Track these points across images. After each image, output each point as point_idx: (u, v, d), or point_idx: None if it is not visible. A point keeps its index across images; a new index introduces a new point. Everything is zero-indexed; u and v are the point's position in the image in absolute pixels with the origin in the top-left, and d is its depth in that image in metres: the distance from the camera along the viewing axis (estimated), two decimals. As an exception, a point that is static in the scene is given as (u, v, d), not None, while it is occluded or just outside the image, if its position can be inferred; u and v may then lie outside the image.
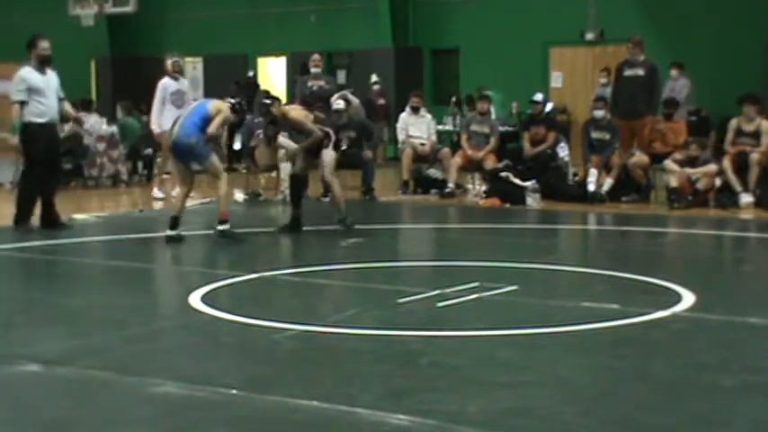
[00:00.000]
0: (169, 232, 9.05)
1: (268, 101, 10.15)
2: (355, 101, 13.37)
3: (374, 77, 17.99)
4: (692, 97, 15.21)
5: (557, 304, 6.26)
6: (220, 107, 9.15)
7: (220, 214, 9.16)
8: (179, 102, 12.72)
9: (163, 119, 12.70)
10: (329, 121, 12.74)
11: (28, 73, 9.72)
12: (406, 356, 5.05)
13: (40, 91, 9.70)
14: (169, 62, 12.98)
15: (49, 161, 9.86)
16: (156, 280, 7.86)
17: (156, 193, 12.95)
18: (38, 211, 9.91)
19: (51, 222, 9.83)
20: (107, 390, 4.54)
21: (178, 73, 12.89)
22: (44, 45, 9.79)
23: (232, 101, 9.40)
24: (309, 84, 13.47)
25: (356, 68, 19.24)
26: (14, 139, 9.72)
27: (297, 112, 9.92)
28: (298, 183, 10.01)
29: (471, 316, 5.98)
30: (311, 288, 7.00)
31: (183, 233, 9.11)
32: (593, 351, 5.21)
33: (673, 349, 5.20)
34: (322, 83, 13.48)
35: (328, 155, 9.71)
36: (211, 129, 9.02)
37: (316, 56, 13.84)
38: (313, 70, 13.60)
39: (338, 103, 12.88)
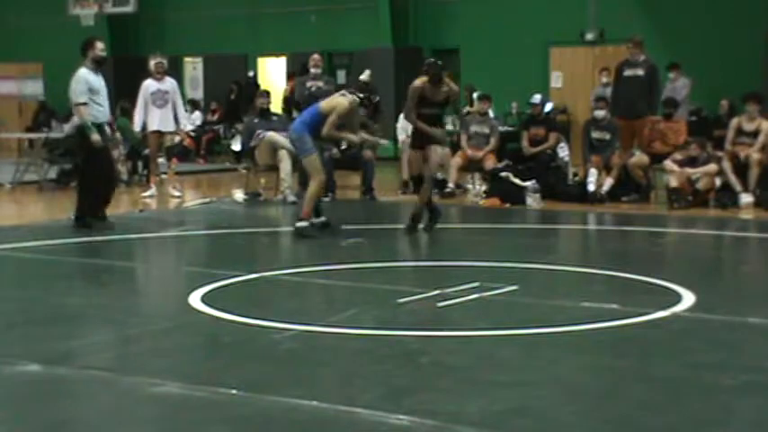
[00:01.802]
0: (305, 224, 9.12)
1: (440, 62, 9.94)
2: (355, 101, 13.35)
3: (366, 74, 17.93)
4: (691, 97, 15.21)
5: (557, 304, 6.26)
6: (334, 104, 9.15)
7: (303, 213, 9.26)
8: (160, 102, 12.80)
9: (147, 119, 12.83)
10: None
11: (87, 74, 9.77)
12: (406, 356, 5.06)
13: (97, 92, 9.79)
14: (152, 63, 13.09)
15: (100, 161, 9.84)
16: (155, 280, 7.86)
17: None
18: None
19: (81, 222, 9.79)
20: (107, 390, 4.54)
21: (162, 74, 12.94)
22: (101, 46, 9.86)
23: (360, 95, 9.46)
24: (308, 84, 13.47)
25: (356, 69, 19.22)
26: (95, 136, 9.66)
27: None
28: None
29: (471, 316, 5.98)
30: (311, 288, 7.00)
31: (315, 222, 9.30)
32: (593, 351, 5.21)
33: (672, 349, 5.21)
34: (321, 83, 13.47)
35: (437, 152, 9.60)
36: (325, 129, 9.06)
37: (315, 56, 13.84)
38: (312, 71, 13.59)
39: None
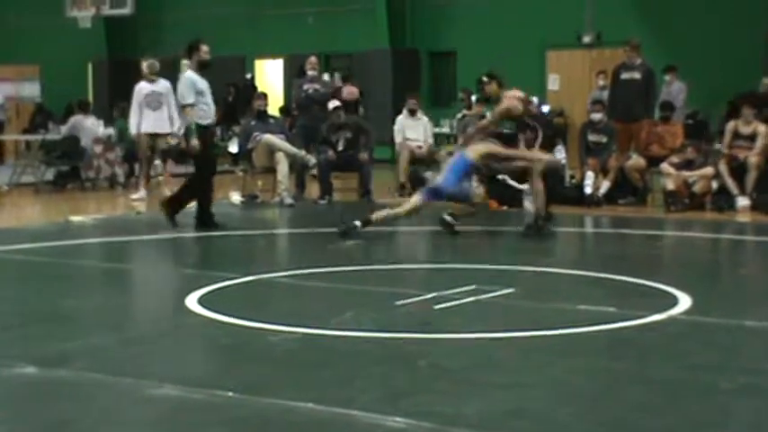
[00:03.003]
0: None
1: (485, 78, 10.03)
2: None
3: (338, 76, 17.92)
4: (688, 100, 15.24)
5: (553, 307, 6.27)
6: (483, 149, 9.52)
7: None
8: (154, 104, 12.82)
9: (141, 121, 12.84)
10: (329, 121, 12.77)
11: (193, 76, 9.87)
12: (403, 359, 5.06)
13: (203, 93, 9.91)
14: (145, 65, 13.10)
15: (206, 162, 9.99)
16: (152, 282, 7.85)
17: (167, 193, 12.84)
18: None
19: (208, 222, 9.91)
20: (104, 391, 4.54)
21: (155, 75, 12.94)
22: (206, 49, 9.98)
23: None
24: (305, 87, 13.49)
25: (354, 71, 19.25)
26: (194, 141, 9.79)
27: (512, 100, 9.74)
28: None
29: (468, 318, 5.98)
30: (308, 290, 7.00)
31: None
32: (590, 353, 5.22)
33: (669, 352, 5.22)
34: (318, 86, 13.49)
35: (537, 153, 9.62)
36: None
37: (312, 58, 13.86)
38: (309, 73, 13.61)
39: (334, 102, 12.91)
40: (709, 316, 5.93)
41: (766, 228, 10.41)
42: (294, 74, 16.66)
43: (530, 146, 9.73)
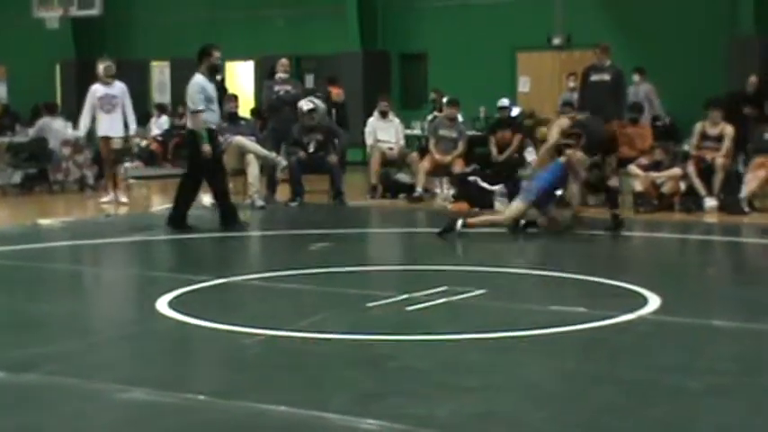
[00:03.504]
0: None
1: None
2: (321, 105, 13.38)
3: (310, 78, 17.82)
4: (660, 103, 15.35)
5: (524, 308, 6.29)
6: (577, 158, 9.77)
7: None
8: (108, 106, 12.62)
9: (96, 124, 12.67)
10: (300, 123, 12.76)
11: (204, 81, 9.90)
12: (375, 361, 5.06)
13: (212, 99, 9.98)
14: (101, 67, 12.88)
15: (218, 164, 10.09)
16: (122, 285, 7.80)
17: (120, 197, 12.77)
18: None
19: (180, 224, 9.92)
20: (72, 396, 4.50)
21: (111, 78, 12.75)
22: (218, 54, 10.09)
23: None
24: (276, 88, 13.46)
25: (324, 73, 19.22)
26: (206, 147, 9.80)
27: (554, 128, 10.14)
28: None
29: (440, 320, 5.99)
30: (280, 293, 6.98)
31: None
32: (561, 355, 5.24)
33: (639, 352, 5.25)
34: (289, 87, 13.46)
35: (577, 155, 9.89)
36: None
37: (283, 60, 13.83)
38: (280, 75, 13.58)
39: (306, 104, 12.88)
40: (677, 316, 5.97)
41: (733, 228, 10.51)
42: (265, 76, 16.61)
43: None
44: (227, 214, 10.08)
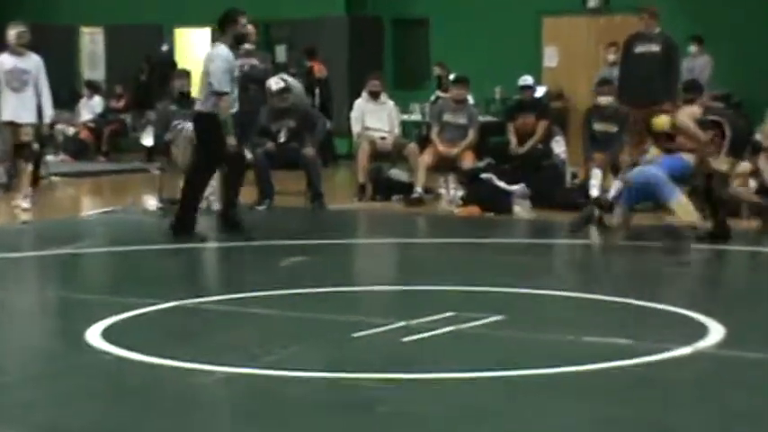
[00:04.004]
0: None
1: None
2: (297, 85, 13.36)
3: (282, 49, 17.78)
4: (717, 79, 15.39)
5: (551, 339, 6.28)
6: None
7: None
8: (17, 83, 12.14)
9: (1, 106, 12.13)
10: (269, 106, 12.76)
11: (230, 56, 10.05)
12: (361, 405, 5.05)
13: (235, 77, 10.16)
14: (12, 33, 12.47)
15: (239, 156, 10.27)
16: (42, 311, 7.78)
17: (23, 203, 12.46)
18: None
19: (234, 224, 10.14)
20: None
21: (24, 47, 12.43)
22: (244, 21, 10.28)
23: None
24: (239, 62, 13.44)
25: (300, 43, 19.22)
26: (231, 140, 9.93)
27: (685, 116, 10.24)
28: None
29: (445, 354, 5.98)
30: (244, 319, 6.97)
31: None
32: (596, 397, 5.23)
33: (697, 395, 5.25)
34: (255, 61, 13.45)
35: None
36: None
37: (248, 27, 13.82)
38: (245, 46, 13.57)
39: (277, 83, 12.87)
40: (744, 350, 5.97)
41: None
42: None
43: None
44: (232, 223, 10.20)
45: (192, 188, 10.24)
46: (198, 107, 10.29)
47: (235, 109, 10.16)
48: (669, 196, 9.81)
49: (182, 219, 10.07)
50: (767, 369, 5.68)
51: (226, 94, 9.92)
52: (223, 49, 10.07)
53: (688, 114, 10.35)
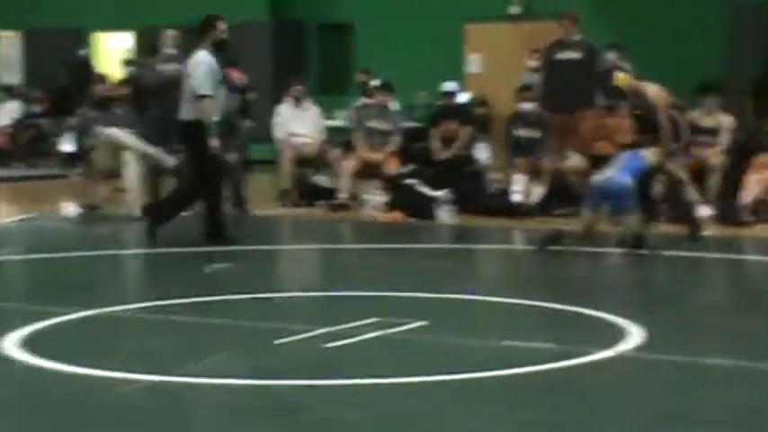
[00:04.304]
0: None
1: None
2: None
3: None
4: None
5: (476, 344, 6.30)
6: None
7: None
8: None
9: None
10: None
11: (212, 60, 10.06)
12: (285, 413, 5.02)
13: (219, 83, 10.19)
14: None
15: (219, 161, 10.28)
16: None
17: None
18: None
19: (222, 234, 10.09)
20: None
21: None
22: (223, 27, 10.31)
23: None
24: (161, 68, 13.36)
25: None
26: (214, 141, 9.89)
27: (657, 91, 10.15)
28: None
29: (369, 360, 5.98)
30: (165, 327, 6.91)
31: None
32: (520, 401, 5.25)
33: (617, 398, 5.29)
34: (177, 66, 13.37)
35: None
36: None
37: (169, 32, 13.73)
38: (166, 51, 13.48)
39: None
40: (666, 353, 6.03)
41: (733, 243, 10.68)
42: (147, 52, 16.48)
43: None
44: (216, 230, 10.11)
45: (212, 198, 10.19)
46: (181, 116, 10.26)
47: (221, 114, 10.23)
48: (630, 209, 9.81)
49: (214, 225, 10.08)
50: (687, 371, 5.75)
51: (208, 96, 9.92)
52: (205, 55, 10.08)
53: (658, 91, 10.43)
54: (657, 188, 10.55)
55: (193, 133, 10.04)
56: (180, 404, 5.20)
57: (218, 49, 10.26)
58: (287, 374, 5.60)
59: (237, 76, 15.85)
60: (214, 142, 9.92)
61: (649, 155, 9.96)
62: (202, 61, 10.03)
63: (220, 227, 10.12)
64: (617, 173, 9.75)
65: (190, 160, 10.44)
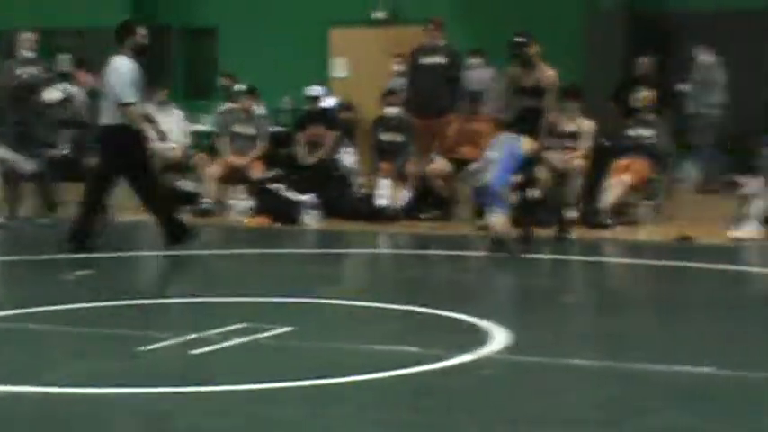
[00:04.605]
0: None
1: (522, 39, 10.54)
2: (79, 95, 13.08)
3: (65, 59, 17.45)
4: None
5: (342, 348, 6.32)
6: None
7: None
8: None
9: None
10: (48, 116, 12.45)
11: (132, 65, 9.92)
12: (153, 421, 4.97)
13: (140, 89, 10.03)
14: None
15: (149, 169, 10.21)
16: None
17: None
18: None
19: (177, 234, 10.05)
20: None
21: None
22: (143, 33, 10.15)
23: None
24: (18, 71, 13.09)
25: (86, 51, 18.79)
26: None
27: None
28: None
29: (237, 366, 5.96)
30: (23, 336, 6.77)
31: None
32: (389, 405, 5.28)
33: (482, 401, 5.35)
34: (34, 70, 13.13)
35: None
36: None
37: (27, 35, 13.46)
38: (24, 53, 13.22)
39: (51, 93, 12.60)
40: (528, 355, 6.13)
41: (595, 245, 10.91)
42: (3, 56, 16.12)
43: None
44: (177, 230, 10.05)
45: (93, 197, 10.13)
46: (103, 121, 10.10)
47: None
48: (499, 211, 9.96)
49: (80, 232, 9.96)
50: (552, 372, 5.85)
51: (132, 104, 9.79)
52: (123, 61, 9.93)
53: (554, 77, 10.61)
54: (533, 192, 10.77)
55: (119, 138, 9.92)
56: (39, 414, 5.09)
57: (139, 54, 10.12)
58: (154, 382, 5.53)
59: (84, 79, 15.68)
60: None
61: (526, 143, 10.13)
62: (120, 66, 9.90)
63: (87, 234, 9.97)
64: (495, 174, 9.90)
65: (103, 160, 10.23)
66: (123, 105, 9.83)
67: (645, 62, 14.59)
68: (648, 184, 12.13)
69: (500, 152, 9.98)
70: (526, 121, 10.34)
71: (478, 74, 15.60)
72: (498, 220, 9.83)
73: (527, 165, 10.20)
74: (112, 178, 10.18)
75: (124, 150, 9.90)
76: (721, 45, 15.61)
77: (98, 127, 10.29)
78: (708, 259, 9.71)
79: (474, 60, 15.70)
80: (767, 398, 5.35)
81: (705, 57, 15.11)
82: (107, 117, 10.02)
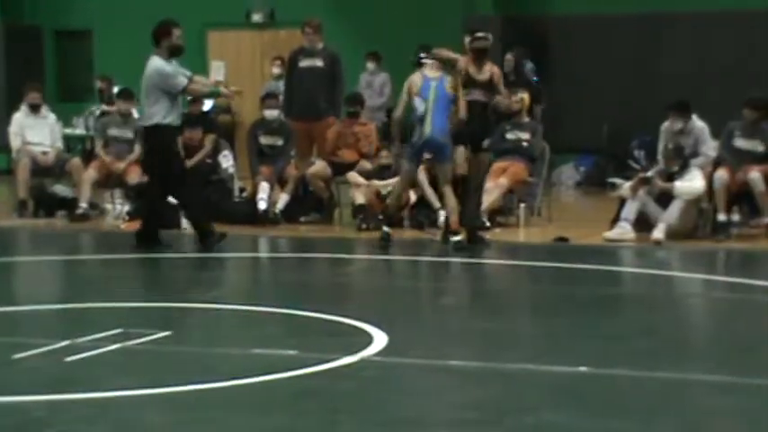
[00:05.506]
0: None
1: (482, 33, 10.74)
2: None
3: None
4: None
5: (221, 352, 6.32)
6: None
7: (453, 224, 10.20)
8: None
9: None
10: None
11: (167, 65, 10.19)
12: (26, 429, 4.90)
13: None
14: None
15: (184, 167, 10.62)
16: None
17: None
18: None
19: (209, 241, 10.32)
20: None
21: None
22: (178, 33, 10.38)
23: None
24: None
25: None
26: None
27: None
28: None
29: (112, 372, 5.91)
30: None
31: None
32: (270, 408, 5.30)
33: (364, 402, 5.40)
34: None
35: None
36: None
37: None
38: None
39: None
40: (408, 356, 6.20)
41: (470, 248, 11.04)
42: None
43: None
44: (204, 234, 10.31)
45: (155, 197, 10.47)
46: (145, 123, 10.37)
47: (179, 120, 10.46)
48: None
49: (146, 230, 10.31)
50: (430, 373, 5.92)
51: (191, 81, 10.27)
52: (158, 62, 10.15)
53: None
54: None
55: (160, 138, 10.25)
56: None
57: (173, 54, 10.28)
58: (27, 390, 5.46)
59: None
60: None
61: (449, 82, 10.32)
62: (159, 68, 10.17)
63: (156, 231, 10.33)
64: (435, 125, 10.11)
65: (154, 164, 10.54)
66: (182, 91, 10.37)
67: (509, 59, 14.86)
68: (525, 187, 12.30)
69: (433, 98, 10.20)
70: (476, 115, 10.57)
71: (374, 78, 15.71)
72: (459, 155, 10.31)
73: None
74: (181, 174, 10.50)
75: (168, 148, 10.29)
76: (598, 48, 16.00)
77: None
78: (582, 260, 9.90)
79: (370, 64, 15.79)
80: (634, 396, 5.50)
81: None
82: (148, 118, 10.35)
